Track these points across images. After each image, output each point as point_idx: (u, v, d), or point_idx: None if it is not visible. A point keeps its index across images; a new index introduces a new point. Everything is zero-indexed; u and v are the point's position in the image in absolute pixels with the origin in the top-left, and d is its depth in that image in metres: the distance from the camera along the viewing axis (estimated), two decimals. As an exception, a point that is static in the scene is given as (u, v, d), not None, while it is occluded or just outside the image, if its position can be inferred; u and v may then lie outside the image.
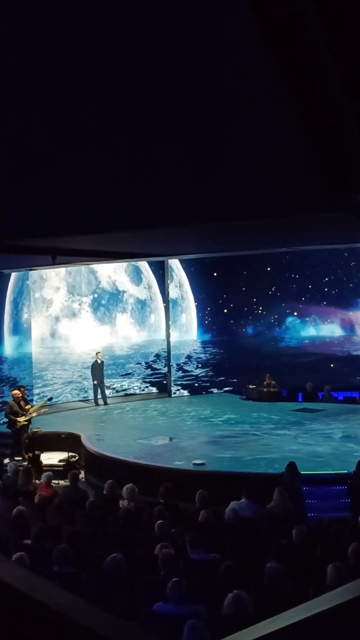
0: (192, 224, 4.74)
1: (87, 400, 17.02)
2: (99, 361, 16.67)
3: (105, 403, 16.68)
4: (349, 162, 2.84)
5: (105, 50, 2.63)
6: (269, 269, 18.85)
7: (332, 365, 18.73)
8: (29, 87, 2.94)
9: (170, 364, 18.43)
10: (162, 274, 18.51)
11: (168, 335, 18.45)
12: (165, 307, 18.53)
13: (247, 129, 3.02)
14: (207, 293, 19.26)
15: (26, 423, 12.76)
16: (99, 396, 16.73)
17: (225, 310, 19.44)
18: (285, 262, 18.75)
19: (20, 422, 12.53)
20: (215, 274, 18.95)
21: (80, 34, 2.58)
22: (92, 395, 16.84)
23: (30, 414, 12.81)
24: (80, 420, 14.71)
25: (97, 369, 16.61)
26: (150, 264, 18.30)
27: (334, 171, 2.92)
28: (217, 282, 19.12)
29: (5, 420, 12.93)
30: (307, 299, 19.27)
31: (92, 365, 16.72)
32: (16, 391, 13.26)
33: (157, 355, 18.58)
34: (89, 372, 16.91)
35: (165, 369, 18.46)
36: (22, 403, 12.94)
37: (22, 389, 13.57)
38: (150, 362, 18.56)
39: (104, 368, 16.93)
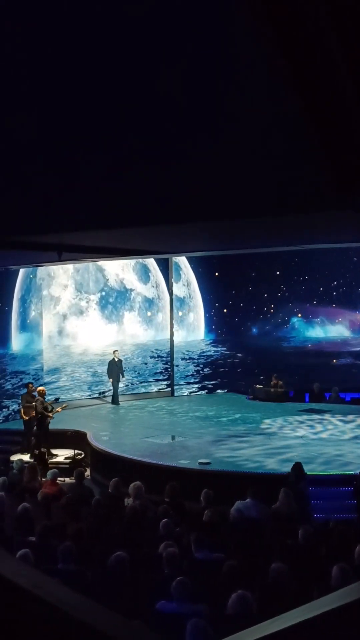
0: (200, 221, 4.73)
1: (94, 397, 17.03)
2: (116, 359, 16.40)
3: (116, 403, 16.40)
4: (359, 158, 2.82)
5: (108, 46, 2.62)
6: (277, 272, 18.81)
7: (334, 361, 18.66)
8: (33, 83, 2.93)
9: (174, 363, 18.37)
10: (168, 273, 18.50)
11: (172, 334, 18.38)
12: (170, 304, 18.49)
13: (256, 125, 3.00)
14: (215, 293, 19.24)
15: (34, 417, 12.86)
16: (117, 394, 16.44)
17: (234, 310, 19.42)
18: (294, 264, 18.71)
19: (51, 417, 12.60)
20: (223, 274, 18.92)
21: (82, 29, 2.57)
22: (113, 393, 16.57)
23: (56, 410, 12.90)
24: (86, 418, 14.72)
25: (114, 368, 16.33)
26: (158, 262, 18.29)
27: (343, 168, 2.90)
28: (225, 281, 19.09)
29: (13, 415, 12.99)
30: (316, 300, 19.22)
31: (109, 363, 16.48)
32: (42, 387, 13.43)
33: (160, 354, 18.54)
34: (101, 369, 16.88)
35: (172, 368, 18.44)
36: (29, 399, 13.01)
37: (31, 386, 13.62)
38: (157, 361, 18.54)
39: (122, 366, 16.64)
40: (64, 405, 13.29)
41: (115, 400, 16.44)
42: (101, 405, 16.51)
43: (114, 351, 16.59)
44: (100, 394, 16.81)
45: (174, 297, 18.56)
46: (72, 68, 2.85)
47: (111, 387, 16.61)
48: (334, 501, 9.09)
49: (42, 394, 12.92)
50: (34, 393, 13.18)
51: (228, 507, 7.45)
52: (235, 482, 9.27)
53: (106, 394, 16.77)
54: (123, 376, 16.77)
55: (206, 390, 18.52)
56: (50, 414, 12.64)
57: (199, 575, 5.19)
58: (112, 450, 11.48)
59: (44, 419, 12.55)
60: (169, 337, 18.56)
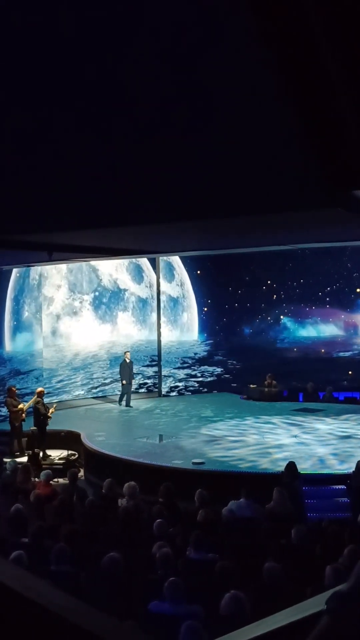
0: (190, 220, 4.72)
1: (85, 398, 16.99)
2: (127, 360, 16.12)
3: (128, 405, 16.02)
4: (348, 157, 2.83)
5: (102, 48, 2.62)
6: (271, 272, 18.84)
7: (328, 360, 18.74)
8: (25, 81, 2.92)
9: (161, 363, 18.24)
10: (165, 273, 18.48)
11: (159, 335, 18.31)
12: (159, 304, 18.42)
13: (246, 124, 3.00)
14: (210, 293, 19.25)
15: (23, 421, 12.80)
16: (124, 397, 16.12)
17: (227, 310, 19.44)
18: (287, 269, 18.77)
19: (50, 417, 12.55)
20: (216, 274, 18.93)
21: (81, 28, 2.57)
22: (120, 394, 16.29)
23: (51, 410, 12.84)
24: (80, 418, 14.69)
25: (126, 369, 16.07)
26: (152, 262, 18.27)
27: (333, 167, 2.90)
28: (218, 281, 19.10)
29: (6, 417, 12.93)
30: (308, 300, 19.27)
31: (121, 364, 16.23)
32: (41, 388, 13.35)
33: (153, 354, 18.51)
34: (92, 368, 16.82)
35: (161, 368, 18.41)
36: (15, 402, 12.87)
37: (14, 389, 13.39)
38: (149, 361, 18.52)
39: (133, 368, 16.35)
40: (54, 406, 13.27)
41: (127, 402, 16.03)
42: (94, 406, 16.48)
43: (125, 352, 16.32)
44: (120, 397, 16.38)
45: (166, 296, 18.56)
46: (66, 67, 2.84)
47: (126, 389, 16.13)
48: (327, 500, 9.11)
49: (41, 394, 12.85)
50: (37, 397, 13.00)
51: (222, 507, 7.45)
52: (229, 482, 9.28)
53: (123, 397, 16.30)
54: (133, 378, 16.49)
55: (204, 390, 18.52)
56: (50, 415, 12.60)
57: (193, 576, 5.18)
58: (105, 451, 11.47)
59: (45, 419, 12.49)
60: (164, 336, 18.54)
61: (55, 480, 9.97)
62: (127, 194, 3.67)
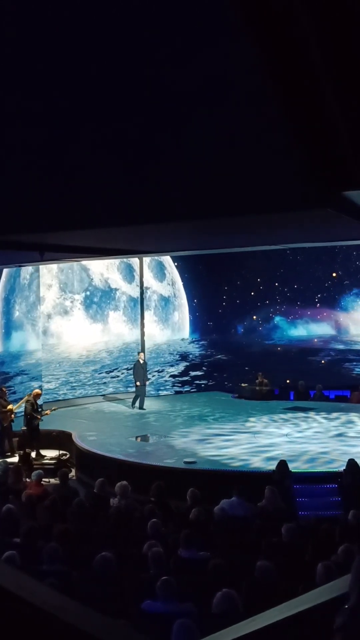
0: (181, 221, 4.73)
1: (79, 397, 16.95)
2: (141, 361, 15.83)
3: (142, 407, 15.59)
4: (339, 159, 2.84)
5: (98, 46, 2.62)
6: (262, 269, 18.86)
7: (322, 362, 18.81)
8: (16, 82, 2.92)
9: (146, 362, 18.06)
10: (156, 272, 18.47)
11: (142, 334, 18.23)
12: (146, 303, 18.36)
13: (237, 125, 3.01)
14: (201, 292, 19.26)
15: (12, 421, 12.77)
16: (137, 399, 15.74)
17: (219, 310, 19.46)
18: (279, 268, 18.82)
19: (39, 419, 12.50)
20: (208, 273, 18.94)
21: (79, 29, 2.57)
22: (133, 397, 15.89)
23: (45, 412, 12.80)
24: (72, 418, 14.66)
25: (140, 370, 15.73)
26: (144, 261, 18.26)
27: (323, 168, 2.92)
28: (210, 280, 19.12)
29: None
30: (301, 299, 19.32)
31: (134, 365, 15.92)
32: (37, 390, 13.36)
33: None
34: (83, 369, 16.76)
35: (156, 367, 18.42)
36: (4, 403, 12.83)
37: (4, 389, 13.34)
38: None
39: (147, 369, 16.04)
40: (53, 408, 13.25)
41: (140, 405, 15.62)
42: (86, 405, 16.45)
43: (139, 353, 16.09)
44: (133, 399, 16.03)
45: (158, 296, 18.55)
46: (59, 64, 2.84)
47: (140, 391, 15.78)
48: (318, 498, 9.15)
49: (35, 396, 12.82)
50: (29, 399, 12.94)
51: (214, 506, 7.47)
52: (221, 481, 9.30)
53: (136, 399, 15.94)
54: (148, 379, 16.22)
55: (195, 389, 18.53)
56: (39, 416, 12.55)
57: (185, 574, 5.20)
58: (97, 450, 11.46)
59: (32, 420, 12.46)
60: (156, 335, 18.53)
61: (47, 480, 9.95)
62: (118, 194, 3.68)
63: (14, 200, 3.91)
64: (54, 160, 3.51)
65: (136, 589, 5.04)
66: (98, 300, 17.90)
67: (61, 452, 12.32)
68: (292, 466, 9.43)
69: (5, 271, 15.74)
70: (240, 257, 17.50)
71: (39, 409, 12.70)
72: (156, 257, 18.06)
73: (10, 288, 16.17)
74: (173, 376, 18.65)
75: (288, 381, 17.61)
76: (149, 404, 16.51)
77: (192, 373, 18.89)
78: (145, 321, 18.49)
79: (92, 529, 6.71)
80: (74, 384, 17.23)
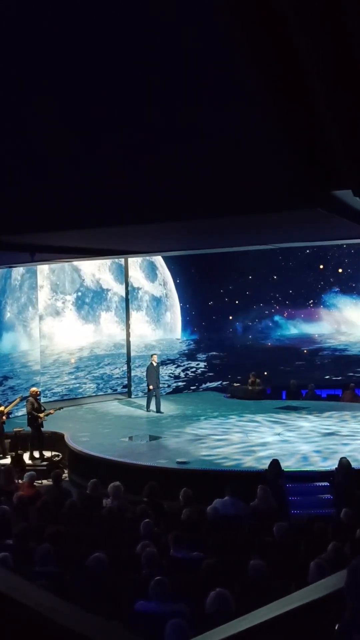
0: (172, 221, 4.74)
1: (72, 399, 16.91)
2: (154, 364, 15.51)
3: (159, 411, 15.11)
4: (328, 159, 2.86)
5: (96, 49, 2.62)
6: (257, 270, 18.90)
7: (318, 362, 18.89)
8: (10, 84, 2.91)
9: (131, 363, 17.92)
10: (147, 272, 18.45)
11: (128, 335, 18.15)
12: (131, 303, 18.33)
13: (228, 127, 3.02)
14: (192, 292, 19.26)
15: (4, 423, 12.71)
16: (152, 402, 15.25)
17: (211, 309, 19.46)
18: (273, 263, 18.85)
19: (42, 418, 12.42)
20: (200, 273, 18.94)
21: (77, 29, 2.57)
22: (147, 400, 15.48)
23: (48, 411, 12.73)
24: (64, 420, 14.62)
25: (153, 373, 15.39)
26: (135, 261, 18.24)
27: (313, 168, 2.93)
28: (202, 281, 19.12)
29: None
30: (294, 298, 19.37)
31: (147, 368, 15.58)
32: (34, 388, 13.25)
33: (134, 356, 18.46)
34: (75, 369, 16.71)
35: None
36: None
37: None
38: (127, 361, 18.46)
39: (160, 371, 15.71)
40: (57, 408, 13.19)
41: (157, 408, 15.19)
42: (79, 406, 16.41)
43: (152, 355, 15.84)
44: (147, 403, 15.62)
45: (149, 296, 18.53)
46: (56, 66, 2.84)
47: (153, 394, 15.39)
48: (311, 497, 9.17)
49: (33, 394, 12.74)
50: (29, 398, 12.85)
51: (207, 506, 7.47)
52: (213, 480, 9.31)
53: (150, 402, 15.52)
54: (160, 382, 15.93)
55: (188, 391, 18.54)
56: (41, 415, 12.45)
57: (178, 575, 5.20)
58: (89, 451, 11.44)
59: (34, 419, 12.38)
60: (148, 335, 18.51)
61: (39, 481, 9.92)
62: (109, 195, 3.68)
63: (3, 201, 3.91)
64: (44, 161, 3.51)
65: (129, 589, 5.04)
66: (90, 301, 17.87)
67: (54, 453, 12.29)
68: (284, 465, 9.46)
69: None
70: (231, 257, 17.51)
71: (42, 408, 12.58)
72: (147, 258, 18.05)
73: (1, 289, 16.11)
74: (166, 377, 18.64)
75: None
76: (141, 403, 16.50)
77: (185, 373, 18.89)
78: (137, 321, 18.47)
79: (85, 530, 6.70)
80: (66, 385, 17.19)
